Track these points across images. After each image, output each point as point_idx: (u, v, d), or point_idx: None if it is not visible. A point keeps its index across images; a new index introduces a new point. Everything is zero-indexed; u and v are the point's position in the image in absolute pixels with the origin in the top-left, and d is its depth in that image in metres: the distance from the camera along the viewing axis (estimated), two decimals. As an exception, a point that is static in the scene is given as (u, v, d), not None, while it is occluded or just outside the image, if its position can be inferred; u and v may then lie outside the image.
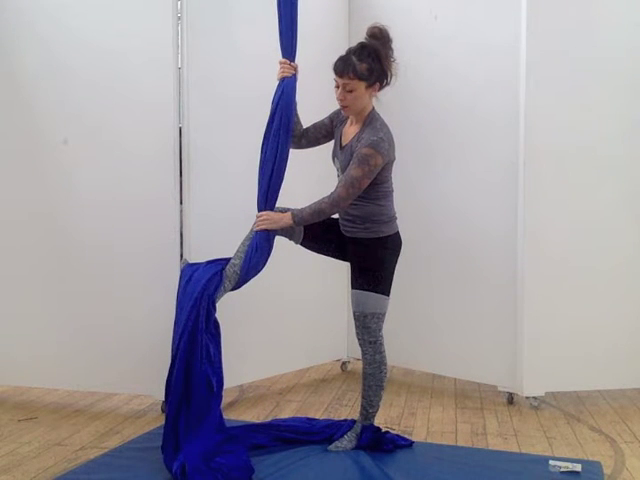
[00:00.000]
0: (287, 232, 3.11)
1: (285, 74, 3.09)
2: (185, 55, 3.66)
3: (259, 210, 3.10)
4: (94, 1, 3.77)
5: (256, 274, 3.10)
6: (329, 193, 2.98)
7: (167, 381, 2.97)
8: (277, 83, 3.12)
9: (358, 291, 3.05)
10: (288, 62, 3.11)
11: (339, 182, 3.00)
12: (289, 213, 3.01)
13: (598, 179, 3.84)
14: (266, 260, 3.09)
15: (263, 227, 3.04)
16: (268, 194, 3.08)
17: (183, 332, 2.93)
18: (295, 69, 3.12)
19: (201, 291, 2.97)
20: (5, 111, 3.84)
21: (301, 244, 3.18)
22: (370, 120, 3.00)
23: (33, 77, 3.80)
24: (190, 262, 3.22)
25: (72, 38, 3.74)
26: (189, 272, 3.08)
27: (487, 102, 3.95)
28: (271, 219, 3.04)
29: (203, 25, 3.71)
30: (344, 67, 2.94)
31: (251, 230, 3.09)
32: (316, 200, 2.99)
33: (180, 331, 2.95)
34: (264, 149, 3.09)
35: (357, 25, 4.18)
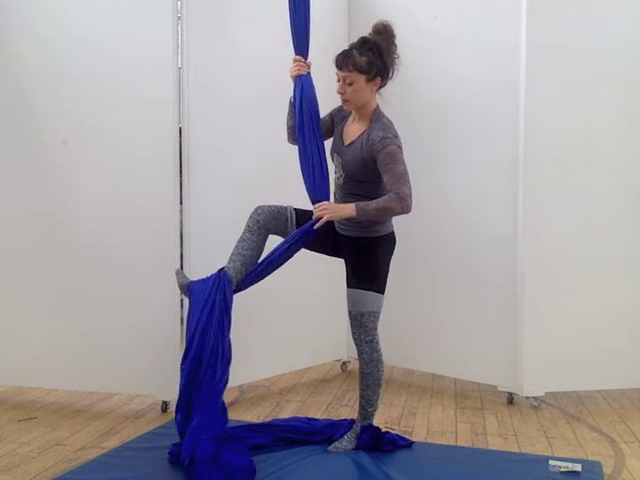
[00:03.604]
0: (281, 231, 3.09)
1: (301, 72, 3.10)
2: (185, 55, 3.66)
3: (314, 201, 3.03)
4: (94, 1, 3.78)
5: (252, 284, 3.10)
6: (386, 196, 2.89)
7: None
8: (290, 81, 3.13)
9: (354, 290, 3.05)
10: (303, 60, 3.11)
11: (389, 185, 2.88)
12: (352, 204, 2.91)
13: (598, 177, 3.84)
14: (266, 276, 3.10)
15: (325, 215, 2.92)
16: (323, 184, 3.04)
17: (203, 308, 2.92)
18: (309, 66, 3.12)
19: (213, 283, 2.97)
20: (5, 111, 3.84)
21: None
22: (377, 117, 3.01)
23: (33, 77, 3.80)
24: (184, 273, 3.18)
25: (72, 38, 3.74)
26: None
27: (487, 101, 3.96)
28: (331, 209, 2.95)
29: (203, 25, 3.72)
30: (344, 60, 2.96)
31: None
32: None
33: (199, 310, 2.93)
34: (304, 143, 3.05)
35: (357, 25, 4.19)
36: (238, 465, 2.77)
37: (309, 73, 3.12)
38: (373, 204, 2.89)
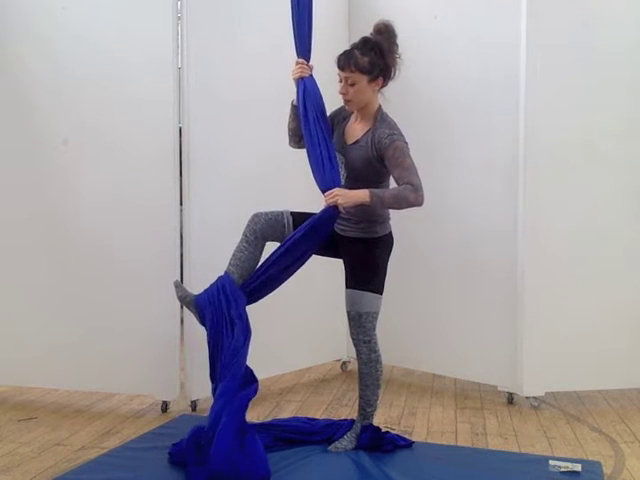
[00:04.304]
0: (279, 238, 3.08)
1: (303, 74, 3.08)
2: (185, 55, 3.66)
3: (323, 190, 2.97)
4: (94, 1, 3.78)
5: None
6: (401, 186, 2.87)
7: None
8: (291, 81, 3.11)
9: (353, 290, 3.04)
10: (305, 63, 3.10)
11: (400, 179, 2.88)
12: (366, 190, 2.88)
13: (598, 176, 3.84)
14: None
15: (338, 202, 2.89)
16: (332, 172, 2.97)
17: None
18: (311, 69, 3.11)
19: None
20: (5, 111, 3.84)
21: None
22: (382, 117, 3.02)
23: (33, 77, 3.80)
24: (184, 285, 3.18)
25: (72, 38, 3.74)
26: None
27: (487, 100, 3.96)
28: (344, 195, 2.90)
29: (203, 25, 3.71)
30: (345, 60, 2.96)
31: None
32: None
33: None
34: (310, 135, 3.01)
35: (357, 25, 4.18)
36: (259, 462, 2.79)
37: (311, 75, 3.10)
38: (389, 191, 2.90)
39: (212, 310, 2.97)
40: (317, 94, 3.08)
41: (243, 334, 2.95)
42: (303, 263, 3.07)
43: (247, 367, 2.99)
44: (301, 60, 3.11)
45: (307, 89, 3.06)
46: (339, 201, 2.89)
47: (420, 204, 2.90)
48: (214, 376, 2.97)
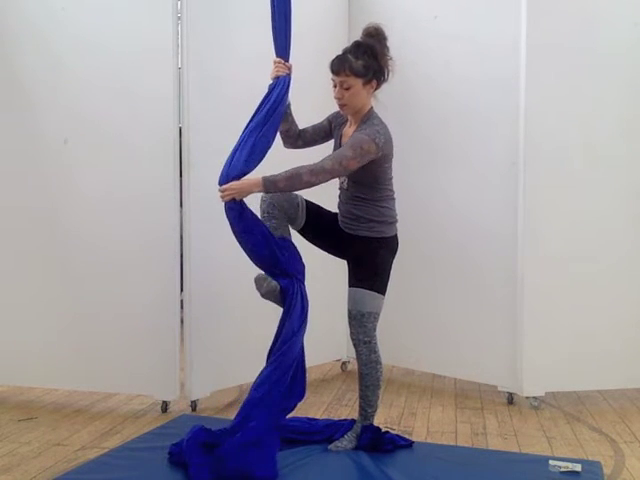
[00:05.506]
0: (292, 213, 3.06)
1: (279, 73, 3.09)
2: (185, 55, 3.66)
3: (220, 184, 2.93)
4: (94, 1, 3.78)
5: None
6: (300, 166, 2.86)
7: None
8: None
9: (356, 289, 3.05)
10: (282, 62, 3.10)
11: (328, 156, 2.93)
12: (259, 177, 2.85)
13: (598, 177, 3.84)
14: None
15: (230, 199, 2.88)
16: (230, 166, 2.92)
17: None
18: (289, 69, 3.11)
19: None
20: (5, 111, 3.84)
21: (299, 231, 3.15)
22: (368, 117, 3.01)
23: (33, 77, 3.81)
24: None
25: (72, 38, 3.74)
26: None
27: (487, 100, 3.96)
28: (236, 188, 2.86)
29: (203, 25, 3.71)
30: (340, 65, 2.96)
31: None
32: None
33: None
34: (247, 124, 3.03)
35: (357, 26, 4.16)
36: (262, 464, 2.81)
37: (289, 75, 3.09)
38: (283, 174, 2.86)
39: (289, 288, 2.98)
40: (281, 93, 3.05)
41: (301, 317, 2.98)
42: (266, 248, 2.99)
43: (302, 369, 3.04)
44: (278, 60, 3.10)
45: (275, 86, 3.06)
46: (236, 197, 2.88)
47: (313, 184, 2.87)
48: (270, 354, 2.98)
